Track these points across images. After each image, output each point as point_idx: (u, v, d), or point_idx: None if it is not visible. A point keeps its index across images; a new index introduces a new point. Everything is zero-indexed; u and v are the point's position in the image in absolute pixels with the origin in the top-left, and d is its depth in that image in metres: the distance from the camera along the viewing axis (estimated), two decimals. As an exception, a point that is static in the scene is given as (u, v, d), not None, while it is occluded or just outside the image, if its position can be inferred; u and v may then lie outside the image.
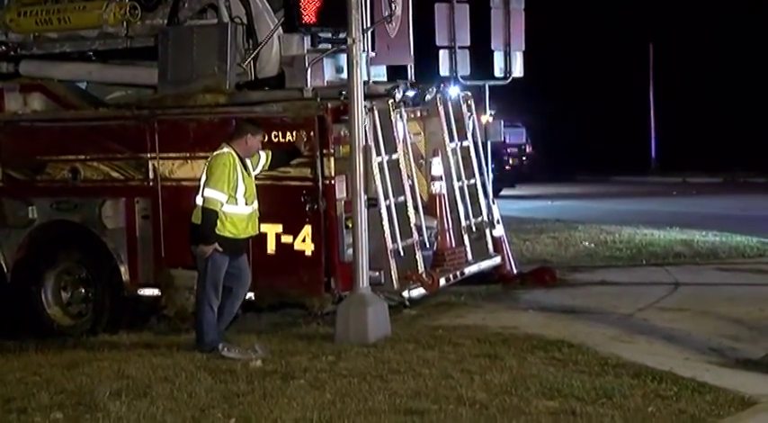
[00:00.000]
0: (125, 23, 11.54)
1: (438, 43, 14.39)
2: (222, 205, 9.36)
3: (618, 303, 11.52)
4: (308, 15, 10.80)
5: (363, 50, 11.41)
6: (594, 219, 20.06)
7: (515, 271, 12.91)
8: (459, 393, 7.83)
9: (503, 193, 26.44)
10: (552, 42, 34.13)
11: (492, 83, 15.14)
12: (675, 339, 9.83)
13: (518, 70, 15.02)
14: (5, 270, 11.72)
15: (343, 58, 10.84)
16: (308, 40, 10.97)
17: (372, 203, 10.16)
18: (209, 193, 9.35)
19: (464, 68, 14.48)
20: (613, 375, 8.32)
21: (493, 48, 14.84)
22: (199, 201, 9.49)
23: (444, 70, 14.37)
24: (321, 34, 11.07)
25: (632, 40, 39.80)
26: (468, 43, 14.50)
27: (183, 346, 9.77)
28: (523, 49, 15.00)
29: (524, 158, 33.50)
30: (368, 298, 9.83)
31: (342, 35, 10.50)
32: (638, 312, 11.10)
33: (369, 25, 10.86)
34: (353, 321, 9.73)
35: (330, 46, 11.05)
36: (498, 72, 15.00)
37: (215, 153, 9.54)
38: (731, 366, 8.91)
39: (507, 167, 30.58)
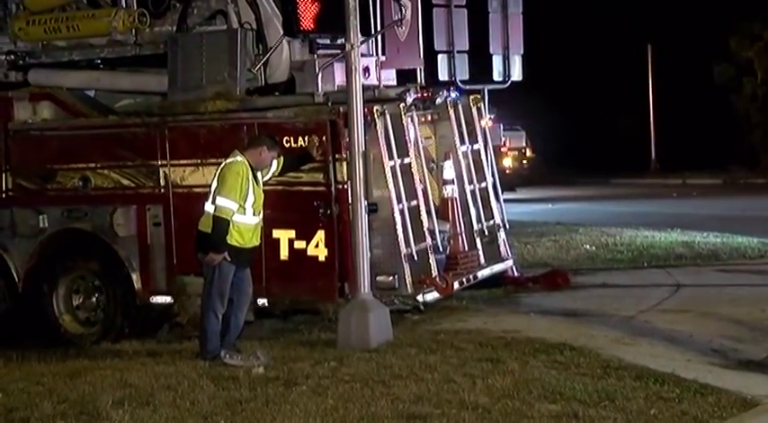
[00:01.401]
0: (134, 31, 11.52)
1: (436, 48, 14.41)
2: (233, 214, 9.35)
3: (619, 306, 11.52)
4: (307, 22, 10.79)
5: (373, 55, 11.42)
6: (595, 221, 20.07)
7: (517, 275, 12.89)
8: (462, 398, 7.83)
9: (503, 196, 26.41)
10: (551, 45, 34.15)
11: (491, 87, 15.14)
12: (677, 341, 9.83)
13: (517, 74, 15.05)
14: (17, 279, 11.69)
15: None
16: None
17: (373, 209, 10.15)
18: (221, 201, 9.28)
19: (463, 73, 14.49)
20: (615, 378, 8.32)
21: (491, 52, 14.86)
22: (209, 208, 9.43)
23: (443, 75, 14.38)
24: (319, 40, 11.08)
25: (631, 41, 39.82)
26: (467, 47, 14.51)
27: (185, 354, 9.78)
28: (522, 52, 15.03)
29: (524, 162, 33.52)
30: (369, 303, 9.83)
31: (340, 41, 10.50)
32: (640, 314, 11.10)
33: (379, 29, 10.84)
34: (355, 327, 9.73)
35: (339, 51, 11.03)
36: (497, 76, 15.02)
37: (228, 161, 9.47)
38: (733, 368, 8.92)
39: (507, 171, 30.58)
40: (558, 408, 7.58)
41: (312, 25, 10.80)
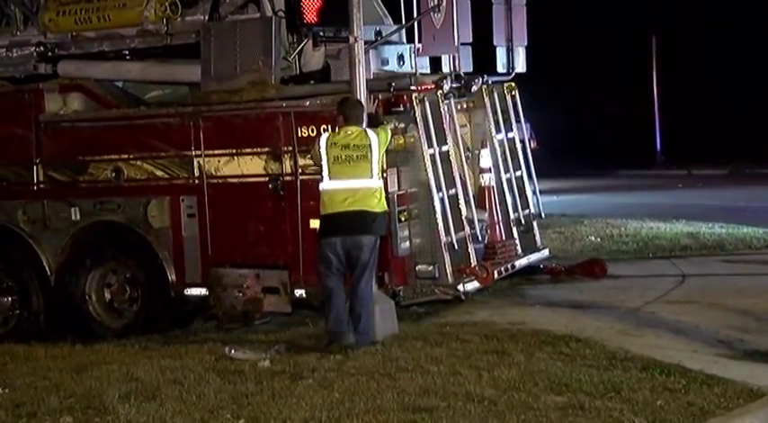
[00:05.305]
0: (165, 20, 11.41)
1: (440, 40, 14.35)
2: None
3: (625, 297, 11.53)
4: (310, 15, 10.76)
5: (407, 43, 11.44)
6: (600, 213, 20.05)
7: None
8: (468, 390, 7.84)
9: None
10: (555, 36, 34.09)
11: (495, 79, 15.11)
12: (683, 332, 9.83)
13: (521, 66, 14.95)
14: (48, 273, 11.64)
15: (388, 49, 10.71)
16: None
17: None
18: None
19: (467, 65, 14.45)
20: (621, 369, 8.32)
21: (495, 44, 14.81)
22: (372, 184, 9.38)
23: (447, 67, 14.33)
24: (322, 33, 11.05)
25: (635, 32, 39.73)
26: (471, 39, 14.47)
27: (191, 348, 9.80)
28: (526, 44, 14.97)
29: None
30: (375, 296, 9.80)
31: (344, 34, 10.46)
32: (646, 306, 11.10)
33: (415, 16, 10.81)
34: (361, 320, 9.71)
35: (374, 39, 10.95)
36: (501, 68, 14.96)
37: (372, 132, 9.43)
38: (739, 358, 8.91)
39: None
40: (564, 399, 7.58)
41: (315, 18, 10.77)
